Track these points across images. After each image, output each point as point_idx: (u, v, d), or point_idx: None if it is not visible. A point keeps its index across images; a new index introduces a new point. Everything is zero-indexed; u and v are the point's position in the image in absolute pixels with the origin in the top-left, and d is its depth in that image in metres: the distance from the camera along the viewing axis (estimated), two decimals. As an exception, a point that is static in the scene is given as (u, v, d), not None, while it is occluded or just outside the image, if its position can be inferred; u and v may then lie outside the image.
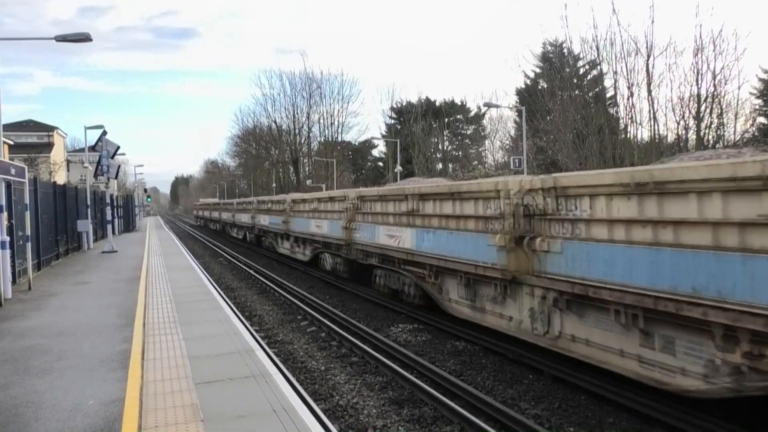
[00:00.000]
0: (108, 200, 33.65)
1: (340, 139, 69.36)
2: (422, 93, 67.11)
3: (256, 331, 12.62)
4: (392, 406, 8.26)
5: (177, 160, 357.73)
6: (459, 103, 67.85)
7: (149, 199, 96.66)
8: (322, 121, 69.31)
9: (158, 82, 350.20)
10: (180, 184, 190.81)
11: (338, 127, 68.97)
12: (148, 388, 6.75)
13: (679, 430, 7.00)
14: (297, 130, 71.12)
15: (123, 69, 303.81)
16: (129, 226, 51.30)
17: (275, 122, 72.76)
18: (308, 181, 59.12)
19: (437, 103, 65.94)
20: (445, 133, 65.32)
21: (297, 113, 70.33)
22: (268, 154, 78.16)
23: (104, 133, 28.60)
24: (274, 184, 68.50)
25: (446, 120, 63.83)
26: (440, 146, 65.59)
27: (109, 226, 30.64)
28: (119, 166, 36.19)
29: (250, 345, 8.71)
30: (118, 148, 30.07)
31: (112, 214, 34.28)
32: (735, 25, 54.45)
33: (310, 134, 70.77)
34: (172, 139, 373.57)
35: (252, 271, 23.97)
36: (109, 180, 32.38)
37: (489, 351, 10.76)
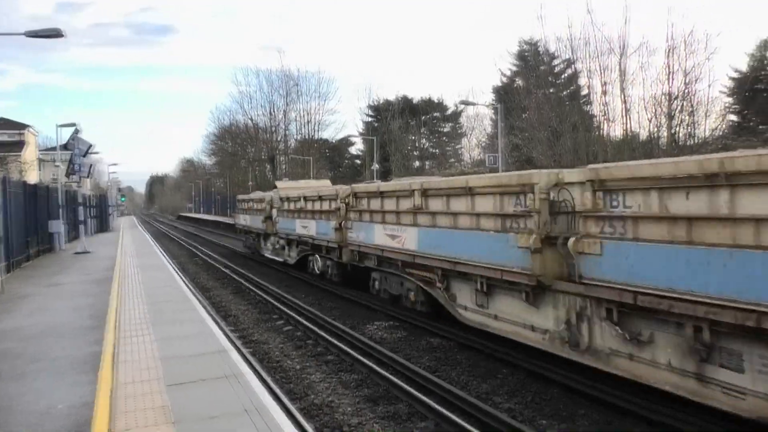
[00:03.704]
0: (81, 200, 33.10)
1: (317, 137, 69.17)
2: (400, 91, 67.29)
3: (231, 331, 12.54)
4: (367, 404, 8.28)
5: (153, 158, 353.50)
6: (436, 101, 68.07)
7: (123, 199, 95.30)
8: (299, 118, 69.00)
9: (136, 79, 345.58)
10: (156, 183, 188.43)
11: (315, 125, 68.74)
12: (119, 390, 6.68)
13: (647, 420, 7.14)
14: (274, 128, 70.70)
15: (101, 66, 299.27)
16: (103, 226, 50.53)
17: (252, 120, 72.29)
18: (284, 179, 58.81)
19: (414, 101, 66.06)
20: (422, 130, 65.49)
21: (274, 111, 69.90)
22: (245, 152, 77.59)
23: (76, 131, 28.16)
24: (250, 183, 68.00)
25: (423, 118, 63.98)
26: (417, 144, 65.76)
27: (82, 227, 30.16)
28: (92, 165, 35.60)
29: (224, 345, 8.67)
30: (91, 146, 29.63)
31: (85, 214, 33.74)
32: (706, 25, 55.41)
33: (287, 132, 70.44)
34: (149, 138, 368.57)
35: (228, 271, 23.80)
36: (81, 179, 31.90)
37: (464, 347, 10.84)
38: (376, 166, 45.64)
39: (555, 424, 7.38)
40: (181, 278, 17.81)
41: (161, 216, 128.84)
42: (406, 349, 10.94)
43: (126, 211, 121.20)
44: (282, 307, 15.22)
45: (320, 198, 18.21)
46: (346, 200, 15.72)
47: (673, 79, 29.41)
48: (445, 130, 67.54)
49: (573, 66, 38.47)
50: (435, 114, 67.46)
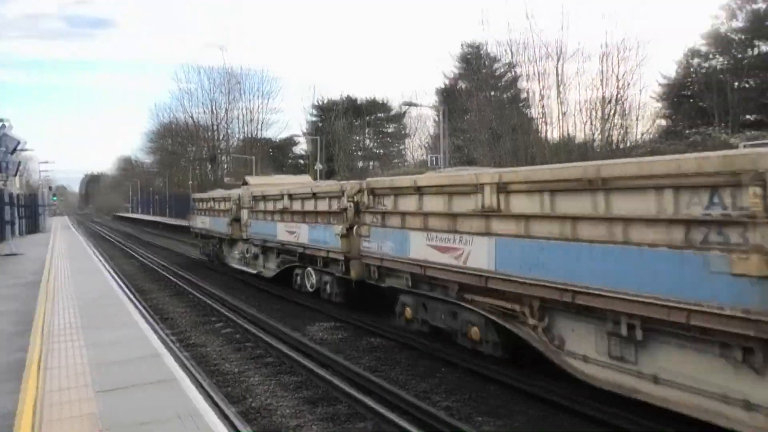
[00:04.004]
0: (8, 199, 31.49)
1: (260, 135, 68.25)
2: (344, 91, 67.01)
3: (167, 334, 12.21)
4: (307, 405, 8.22)
5: (89, 157, 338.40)
6: (381, 102, 68.31)
7: (54, 198, 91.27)
8: (241, 117, 67.98)
9: (72, 74, 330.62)
10: (91, 182, 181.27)
11: (258, 123, 67.85)
12: (44, 398, 6.39)
13: (580, 414, 7.39)
14: (215, 126, 69.36)
15: (33, 59, 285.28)
16: (34, 227, 48.26)
17: (193, 118, 70.65)
18: (226, 179, 57.74)
19: (359, 102, 66.09)
20: (366, 131, 65.62)
21: (215, 109, 68.61)
22: (185, 150, 75.74)
23: (3, 126, 26.79)
24: (191, 182, 66.44)
25: (368, 118, 64.12)
26: (362, 144, 65.83)
27: (9, 227, 28.71)
28: (20, 163, 33.93)
29: (158, 349, 8.43)
30: (20, 143, 28.25)
31: (13, 214, 32.15)
32: (638, 33, 57.77)
33: (229, 131, 69.21)
34: (85, 135, 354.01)
35: (167, 273, 23.15)
36: (8, 177, 30.39)
37: (404, 346, 10.92)
38: (320, 165, 45.46)
39: (492, 420, 7.53)
40: (116, 281, 17.20)
41: (97, 216, 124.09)
42: (347, 350, 10.93)
43: (59, 211, 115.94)
44: (221, 309, 14.93)
45: (315, 196, 14.52)
46: (356, 199, 12.57)
47: (606, 85, 30.61)
48: (390, 130, 67.87)
49: (513, 70, 39.43)
50: (379, 114, 67.67)
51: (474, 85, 39.19)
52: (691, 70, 37.51)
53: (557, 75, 31.99)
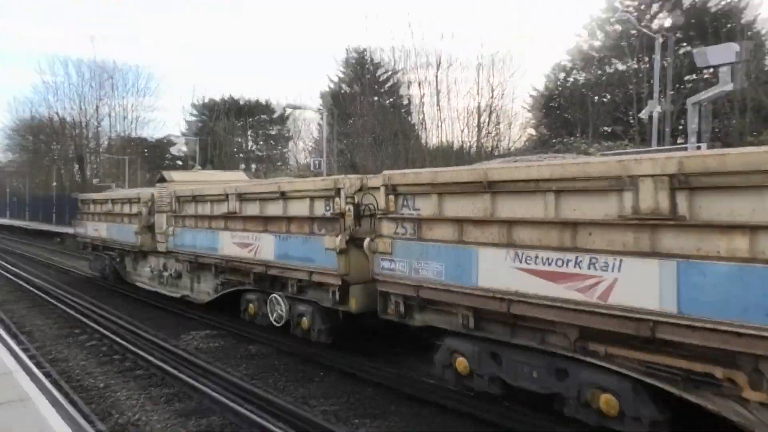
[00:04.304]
0: None
1: (134, 135, 64.57)
2: (227, 92, 65.12)
3: (23, 350, 11.20)
4: (179, 419, 7.90)
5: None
6: (264, 104, 67.20)
7: None
8: (113, 114, 63.92)
9: None
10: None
11: (133, 122, 64.18)
12: None
13: (451, 410, 7.75)
14: (84, 124, 64.67)
15: None
16: None
17: (58, 114, 65.39)
18: (95, 180, 54.08)
19: (242, 102, 64.58)
20: (249, 133, 64.27)
21: (84, 105, 63.95)
22: (49, 149, 69.94)
23: None
24: (54, 183, 61.45)
25: (250, 120, 62.84)
26: (245, 146, 64.38)
27: None
28: None
29: (9, 366, 7.72)
30: None
31: None
32: (511, 46, 61.44)
33: (100, 129, 64.84)
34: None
35: (21, 282, 21.20)
36: None
37: (282, 353, 10.82)
38: (199, 167, 43.81)
39: (368, 422, 7.67)
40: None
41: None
42: (224, 359, 10.64)
43: None
44: (86, 320, 13.94)
45: (285, 196, 10.73)
46: (357, 199, 9.40)
47: (481, 94, 32.30)
48: (273, 133, 66.95)
49: (396, 76, 40.43)
50: (263, 116, 66.53)
51: (358, 90, 39.74)
52: (558, 83, 40.43)
53: (437, 83, 33.29)
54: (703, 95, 17.62)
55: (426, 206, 7.86)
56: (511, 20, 54.81)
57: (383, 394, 8.54)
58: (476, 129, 32.47)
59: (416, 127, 35.48)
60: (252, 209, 11.75)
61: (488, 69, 32.11)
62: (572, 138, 33.90)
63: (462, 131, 33.01)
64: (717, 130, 28.19)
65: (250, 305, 11.97)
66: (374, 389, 8.75)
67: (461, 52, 56.09)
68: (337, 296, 9.45)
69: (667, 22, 34.43)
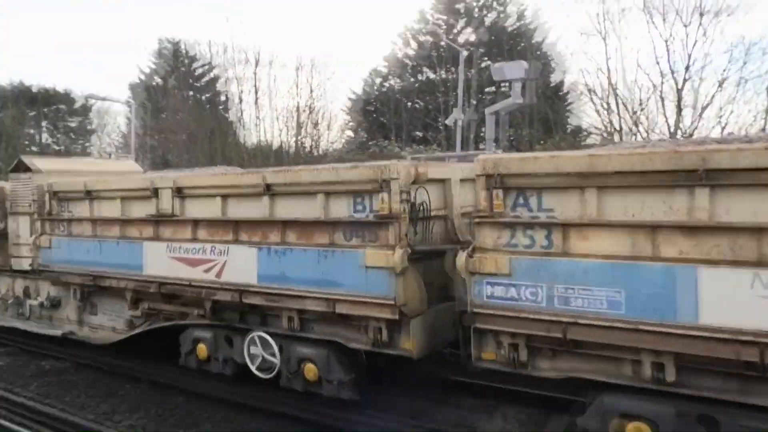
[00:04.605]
0: None
1: None
2: (15, 77, 57.62)
3: None
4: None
5: None
6: (62, 93, 60.67)
7: None
8: None
9: None
10: None
11: None
12: None
13: (258, 410, 7.76)
14: None
15: None
16: None
17: None
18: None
19: (35, 89, 57.67)
20: (44, 124, 57.67)
21: None
22: None
23: None
24: None
25: (45, 110, 56.41)
26: (38, 138, 57.64)
27: None
28: None
29: None
30: None
31: None
32: (331, 49, 62.70)
33: None
34: None
35: None
36: None
37: (82, 366, 9.95)
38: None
39: (180, 431, 7.38)
40: None
41: None
42: (10, 378, 9.50)
43: None
44: None
45: (270, 190, 7.39)
46: (412, 196, 6.55)
47: (300, 94, 32.54)
48: (73, 125, 60.82)
49: (213, 71, 39.07)
50: (61, 106, 60.13)
51: (171, 83, 37.68)
52: (375, 88, 42.12)
53: (255, 80, 32.83)
54: (498, 106, 19.65)
55: (565, 205, 5.48)
56: (332, 22, 55.92)
57: (196, 402, 8.23)
58: (295, 128, 32.61)
59: (234, 125, 34.64)
60: (206, 210, 8.13)
61: (308, 69, 32.45)
62: (386, 141, 35.56)
63: (281, 131, 32.93)
64: (512, 138, 31.54)
65: (200, 346, 8.23)
66: (186, 397, 8.42)
67: (282, 52, 55.99)
68: (384, 335, 6.59)
69: (472, 37, 37.66)
